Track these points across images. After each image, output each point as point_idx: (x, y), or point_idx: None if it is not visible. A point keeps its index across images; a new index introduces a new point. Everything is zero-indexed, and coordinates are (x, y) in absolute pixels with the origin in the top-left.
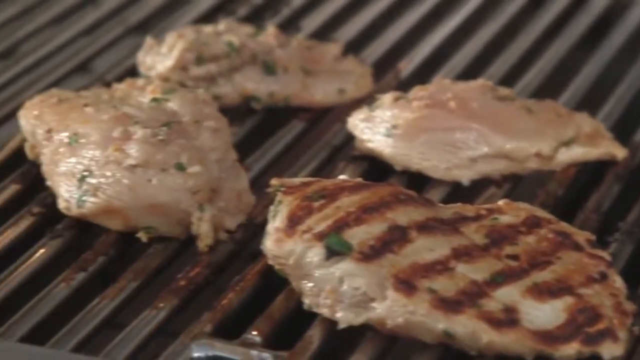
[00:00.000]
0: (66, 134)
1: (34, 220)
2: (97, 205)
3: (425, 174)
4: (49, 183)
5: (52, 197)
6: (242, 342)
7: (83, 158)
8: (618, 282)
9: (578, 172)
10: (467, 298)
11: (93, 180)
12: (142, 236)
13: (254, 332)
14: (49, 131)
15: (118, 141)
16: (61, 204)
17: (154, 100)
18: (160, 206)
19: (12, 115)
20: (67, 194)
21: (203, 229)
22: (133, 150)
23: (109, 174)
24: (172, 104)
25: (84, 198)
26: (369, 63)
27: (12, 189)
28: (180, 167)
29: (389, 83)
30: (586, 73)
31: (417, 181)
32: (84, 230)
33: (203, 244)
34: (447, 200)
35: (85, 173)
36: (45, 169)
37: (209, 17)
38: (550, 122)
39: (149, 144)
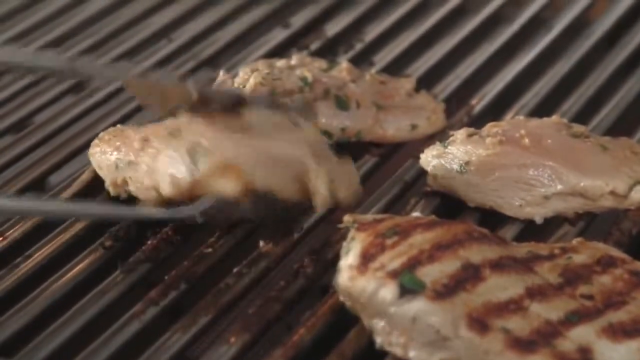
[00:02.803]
0: (167, 131)
1: (106, 254)
2: (212, 163)
3: (498, 211)
4: (147, 182)
5: (124, 230)
6: None
7: (191, 135)
8: None
9: None
10: (541, 338)
11: (205, 145)
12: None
13: None
14: (146, 139)
15: None
16: (166, 188)
17: None
18: (277, 157)
19: (84, 148)
20: (176, 168)
21: (320, 186)
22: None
23: (222, 136)
24: None
25: (197, 160)
26: (441, 99)
27: (85, 222)
28: (297, 124)
29: (461, 119)
30: None
31: (490, 218)
32: (155, 264)
33: (319, 201)
34: (520, 237)
35: (195, 144)
36: (141, 174)
37: (281, 51)
38: (625, 159)
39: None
